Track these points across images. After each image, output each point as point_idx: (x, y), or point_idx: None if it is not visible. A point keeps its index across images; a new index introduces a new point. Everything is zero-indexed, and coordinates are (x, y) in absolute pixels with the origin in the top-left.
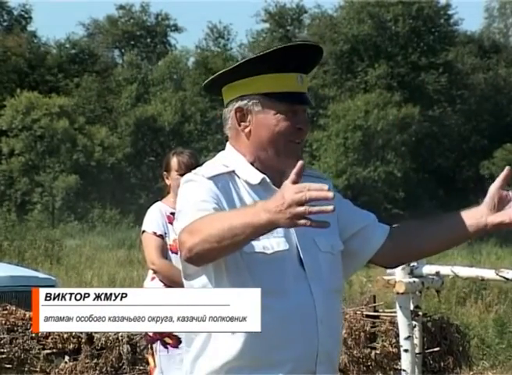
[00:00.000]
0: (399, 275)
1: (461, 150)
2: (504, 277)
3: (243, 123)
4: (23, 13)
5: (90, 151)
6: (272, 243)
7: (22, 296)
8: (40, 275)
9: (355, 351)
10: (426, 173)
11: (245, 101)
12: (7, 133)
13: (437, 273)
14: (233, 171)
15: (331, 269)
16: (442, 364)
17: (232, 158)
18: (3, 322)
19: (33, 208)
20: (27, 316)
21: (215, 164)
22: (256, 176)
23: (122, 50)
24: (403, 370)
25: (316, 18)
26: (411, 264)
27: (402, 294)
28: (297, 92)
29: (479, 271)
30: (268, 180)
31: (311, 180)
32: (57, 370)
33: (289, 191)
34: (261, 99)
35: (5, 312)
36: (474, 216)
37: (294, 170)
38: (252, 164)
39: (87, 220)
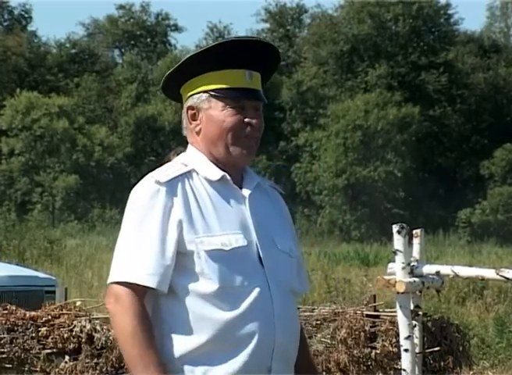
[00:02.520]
0: (399, 274)
1: (461, 150)
2: (504, 277)
3: (194, 122)
4: (23, 13)
5: (90, 151)
6: (230, 239)
7: (22, 296)
8: (41, 275)
9: (355, 351)
10: (426, 173)
11: (195, 100)
12: (7, 133)
13: (437, 273)
14: (192, 169)
15: (288, 269)
16: (442, 364)
17: (193, 157)
18: (3, 322)
19: (33, 207)
20: (27, 315)
21: (174, 164)
22: (216, 173)
23: (122, 50)
24: (404, 370)
25: (316, 18)
26: (411, 263)
27: (402, 293)
28: (245, 88)
29: (479, 271)
30: (228, 177)
31: (266, 187)
32: (57, 370)
33: None
34: (209, 96)
35: (5, 311)
36: None
37: None
38: (211, 161)
39: (86, 220)
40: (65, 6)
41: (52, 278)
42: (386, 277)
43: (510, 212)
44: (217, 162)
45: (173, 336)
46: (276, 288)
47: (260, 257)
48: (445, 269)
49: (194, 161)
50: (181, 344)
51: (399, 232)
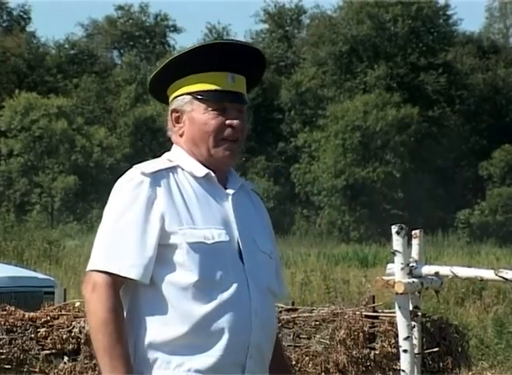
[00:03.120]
0: (398, 275)
1: (460, 150)
2: (503, 277)
3: (178, 125)
4: (22, 14)
5: (89, 151)
6: (213, 233)
7: (21, 297)
8: (40, 275)
9: (354, 352)
10: (425, 174)
11: (178, 102)
12: (6, 134)
13: (436, 274)
14: (178, 165)
15: (268, 269)
16: (441, 364)
17: (178, 155)
18: (2, 322)
19: (32, 208)
20: (26, 316)
21: (159, 160)
22: (201, 170)
23: (121, 50)
24: (402, 371)
25: (315, 18)
26: (410, 264)
27: (401, 294)
28: (227, 91)
29: (478, 271)
30: (213, 174)
31: (249, 190)
32: (56, 371)
33: None
34: (192, 98)
35: (4, 312)
36: None
37: None
38: (197, 161)
39: (85, 221)
40: (64, 7)
41: (51, 279)
42: (385, 278)
43: (509, 212)
44: (201, 163)
45: (151, 326)
46: (255, 286)
47: (241, 254)
48: (444, 270)
49: (180, 158)
50: (158, 335)
51: (398, 233)
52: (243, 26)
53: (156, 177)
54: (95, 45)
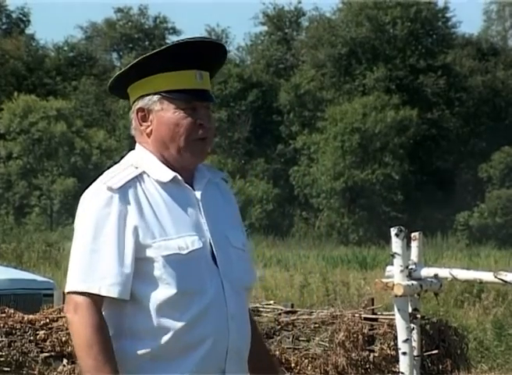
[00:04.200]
0: (397, 277)
1: (460, 152)
2: (502, 280)
3: (144, 123)
4: (21, 16)
5: (88, 154)
6: (186, 242)
7: (20, 299)
8: (39, 278)
9: (353, 354)
10: (424, 176)
11: (145, 101)
12: (5, 137)
13: (435, 276)
14: (143, 172)
15: (242, 265)
16: (440, 367)
17: (143, 158)
18: (1, 325)
19: (31, 211)
20: (25, 319)
21: (124, 167)
22: (167, 174)
23: (121, 53)
24: (402, 373)
25: (314, 21)
26: (410, 266)
27: (400, 296)
28: (196, 89)
29: (477, 274)
30: (179, 177)
31: (217, 181)
32: (55, 373)
33: None
34: (160, 98)
35: (4, 315)
36: None
37: None
38: (162, 162)
39: None
40: (63, 9)
41: (50, 281)
42: (384, 280)
43: (509, 214)
44: (167, 163)
45: (131, 341)
46: (230, 288)
47: (214, 257)
48: (443, 272)
49: (144, 161)
50: (139, 349)
51: (397, 235)
52: (242, 29)
53: (124, 191)
54: (94, 48)
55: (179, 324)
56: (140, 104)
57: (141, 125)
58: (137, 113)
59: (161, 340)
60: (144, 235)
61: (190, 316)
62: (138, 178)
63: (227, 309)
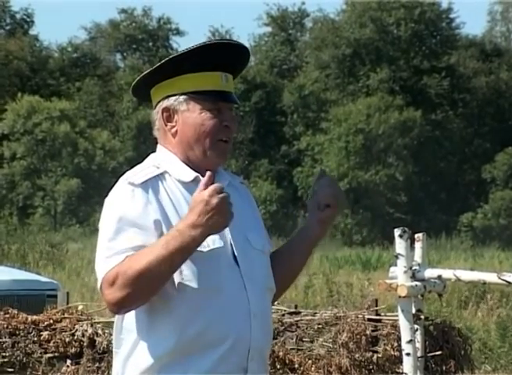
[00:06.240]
0: (401, 279)
1: (463, 154)
2: (506, 281)
3: (169, 124)
4: (25, 17)
5: (92, 154)
6: (207, 240)
7: (24, 300)
8: (42, 279)
9: (357, 355)
10: (428, 177)
11: (171, 101)
12: (9, 137)
13: (439, 277)
14: (165, 171)
15: (263, 267)
16: (444, 368)
17: (164, 158)
18: (5, 325)
19: (34, 211)
20: (29, 319)
21: (146, 167)
22: (189, 174)
23: (124, 54)
24: (405, 374)
25: (318, 22)
26: (413, 267)
27: (404, 297)
28: (222, 91)
29: (481, 275)
30: (201, 178)
31: (236, 184)
32: (59, 374)
33: (201, 193)
34: (187, 98)
35: (7, 315)
36: (305, 225)
37: (202, 181)
38: (184, 162)
39: (88, 224)
40: (67, 10)
41: (54, 282)
42: (388, 281)
43: None
44: (189, 164)
45: (151, 337)
46: (252, 288)
47: (235, 257)
48: (447, 273)
49: (166, 162)
50: (158, 346)
51: (401, 236)
52: (246, 30)
53: (146, 187)
54: (98, 49)
55: (200, 321)
56: (165, 104)
57: (166, 125)
58: (162, 113)
59: (181, 336)
60: (166, 230)
61: (211, 313)
62: (160, 177)
63: (249, 308)
